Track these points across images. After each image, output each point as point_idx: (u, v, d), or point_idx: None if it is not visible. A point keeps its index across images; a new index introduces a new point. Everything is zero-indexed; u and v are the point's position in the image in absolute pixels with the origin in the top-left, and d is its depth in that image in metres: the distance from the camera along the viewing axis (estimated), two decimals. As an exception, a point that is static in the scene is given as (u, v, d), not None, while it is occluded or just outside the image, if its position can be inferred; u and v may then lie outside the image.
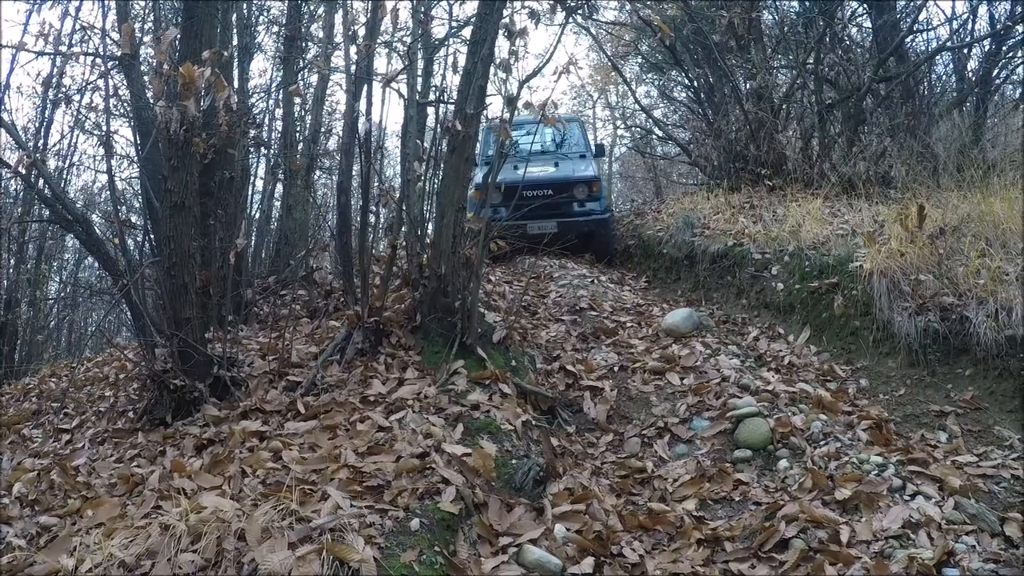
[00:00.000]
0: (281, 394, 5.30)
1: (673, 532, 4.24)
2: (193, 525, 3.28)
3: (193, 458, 4.50)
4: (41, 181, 6.24)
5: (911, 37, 11.40)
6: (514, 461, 4.50)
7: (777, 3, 13.11)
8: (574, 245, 10.48)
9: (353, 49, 6.24)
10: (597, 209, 10.92)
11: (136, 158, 9.81)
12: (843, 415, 5.28)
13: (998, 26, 10.64)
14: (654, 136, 20.25)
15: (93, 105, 9.46)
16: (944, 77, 11.93)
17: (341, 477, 3.92)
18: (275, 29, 12.55)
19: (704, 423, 5.40)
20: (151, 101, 6.98)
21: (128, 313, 8.66)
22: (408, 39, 8.05)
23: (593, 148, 12.50)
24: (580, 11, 8.75)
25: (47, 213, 7.18)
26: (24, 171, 6.46)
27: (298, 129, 11.55)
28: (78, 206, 8.13)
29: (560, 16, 6.38)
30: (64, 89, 10.19)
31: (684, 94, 16.10)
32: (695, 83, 13.58)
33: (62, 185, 11.58)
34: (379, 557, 3.27)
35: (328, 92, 12.78)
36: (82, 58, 9.71)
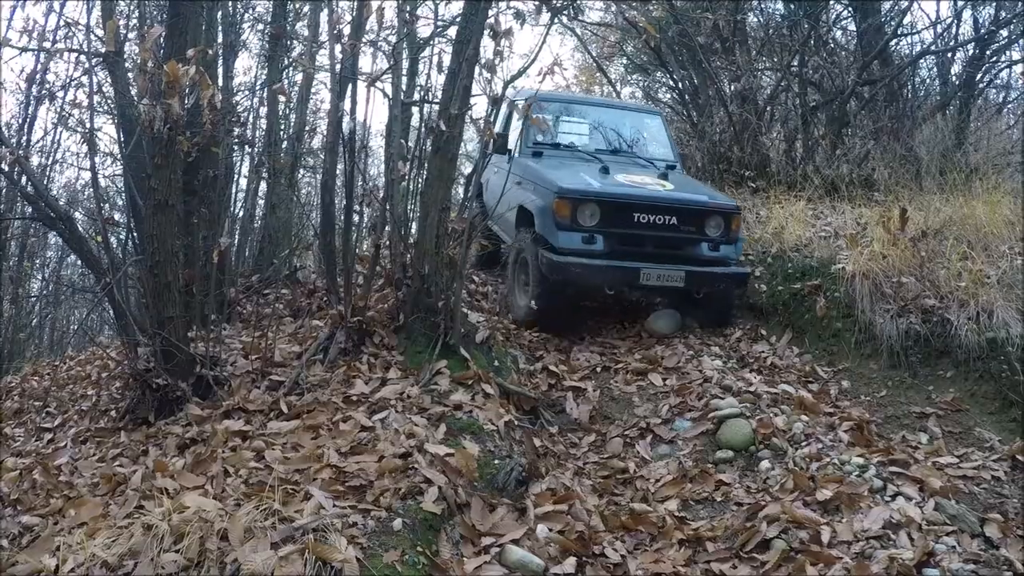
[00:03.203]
0: (264, 394, 5.28)
1: (655, 532, 4.26)
2: (176, 525, 3.27)
3: (176, 457, 4.49)
4: (24, 178, 6.21)
5: (895, 41, 11.47)
6: (497, 461, 4.50)
7: (762, 5, 13.15)
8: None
9: (338, 48, 6.24)
10: (733, 256, 7.23)
11: (120, 156, 9.77)
12: (825, 416, 5.30)
13: (982, 30, 10.70)
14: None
15: (77, 102, 9.38)
16: (928, 81, 12.00)
17: (324, 477, 3.92)
18: (260, 27, 12.50)
19: (686, 424, 5.42)
20: (135, 99, 6.96)
21: (111, 311, 8.63)
22: (393, 38, 8.02)
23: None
24: (565, 12, 8.77)
25: (30, 210, 7.15)
26: (7, 168, 6.42)
27: (282, 128, 11.52)
28: (61, 204, 8.10)
29: (545, 17, 6.37)
30: (48, 85, 10.12)
31: (669, 95, 16.09)
32: (679, 84, 13.59)
33: (45, 182, 11.52)
34: (362, 557, 3.27)
35: (313, 91, 12.75)
36: (66, 54, 9.64)
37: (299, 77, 12.08)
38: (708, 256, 7.05)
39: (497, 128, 7.72)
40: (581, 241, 6.65)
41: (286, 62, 11.69)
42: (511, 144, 7.95)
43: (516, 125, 8.23)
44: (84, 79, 9.47)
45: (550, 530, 4.06)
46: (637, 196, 6.84)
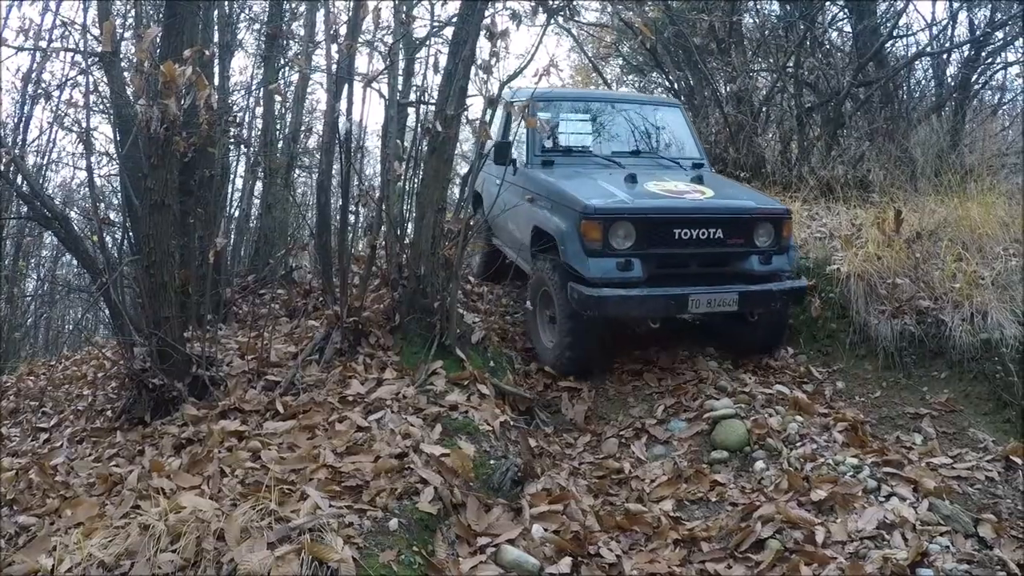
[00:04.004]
0: (260, 394, 5.28)
1: (650, 532, 4.27)
2: (172, 525, 3.28)
3: (172, 458, 4.49)
4: (20, 177, 6.21)
5: (891, 42, 11.48)
6: (492, 461, 4.51)
7: (758, 6, 13.16)
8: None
9: (334, 48, 6.24)
10: (787, 267, 6.31)
11: (115, 156, 9.75)
12: (819, 417, 5.32)
13: (977, 32, 10.72)
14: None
15: (73, 102, 9.37)
16: (923, 82, 12.01)
17: (320, 477, 3.93)
18: (256, 27, 12.49)
19: (681, 424, 5.44)
20: (131, 99, 6.96)
21: (106, 311, 8.63)
22: (389, 39, 8.01)
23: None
24: (562, 13, 8.77)
25: (25, 210, 7.14)
26: (2, 167, 6.41)
27: (278, 128, 11.51)
28: (56, 203, 8.09)
29: (542, 17, 6.32)
30: (44, 85, 10.10)
31: (664, 96, 16.13)
32: (675, 85, 13.59)
33: (41, 182, 11.51)
34: (358, 557, 3.28)
35: (308, 91, 12.74)
36: (62, 54, 9.63)
37: (295, 77, 12.08)
38: (760, 271, 6.15)
39: (493, 132, 7.27)
40: (616, 268, 5.78)
41: (282, 62, 11.68)
42: (514, 152, 7.06)
43: (520, 131, 7.23)
44: (80, 79, 9.47)
45: (545, 530, 4.07)
46: (677, 208, 6.02)
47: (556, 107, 7.89)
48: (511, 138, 7.29)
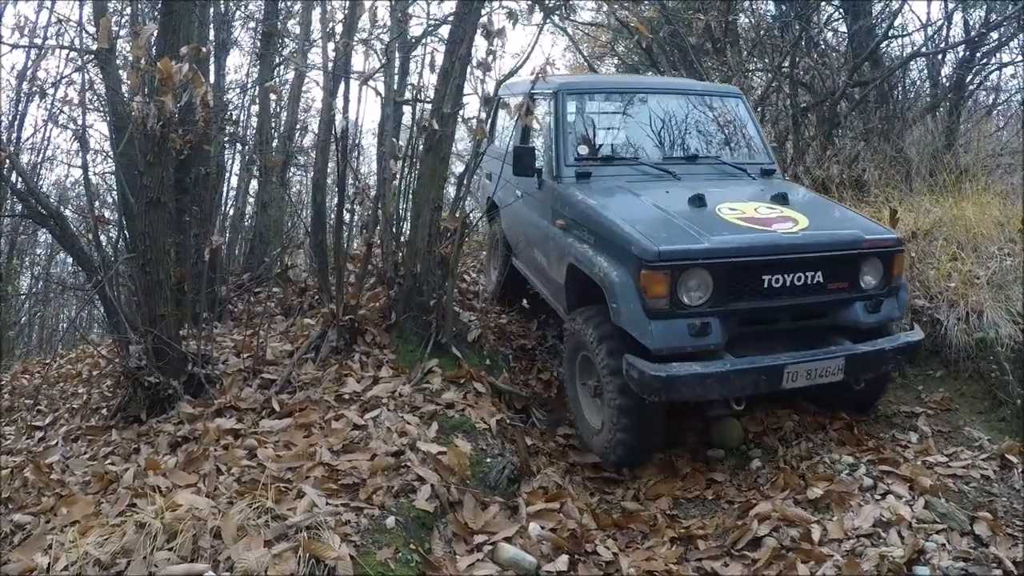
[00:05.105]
0: (256, 392, 5.28)
1: (647, 530, 4.28)
2: (168, 523, 3.27)
3: (168, 456, 4.49)
4: (15, 175, 6.20)
5: (886, 42, 11.49)
6: (489, 460, 4.52)
7: (754, 6, 13.17)
8: None
9: (331, 46, 6.24)
10: (897, 314, 5.09)
11: (111, 153, 9.74)
12: (815, 415, 5.32)
13: (972, 33, 10.74)
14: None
15: (68, 99, 9.36)
16: (918, 83, 12.02)
17: (316, 475, 3.93)
18: (252, 25, 12.48)
19: (678, 423, 5.42)
20: (127, 96, 6.95)
21: (101, 309, 8.62)
22: (386, 37, 8.01)
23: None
24: (558, 12, 8.76)
25: (20, 208, 7.13)
26: (-2, 165, 6.40)
27: (274, 126, 11.50)
28: (52, 201, 8.07)
29: (538, 16, 6.25)
30: (39, 83, 10.08)
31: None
32: (671, 85, 13.57)
33: (36, 180, 11.48)
34: (355, 555, 3.28)
35: (304, 89, 12.73)
36: (57, 51, 9.62)
37: (290, 75, 12.07)
38: (868, 323, 4.86)
39: (502, 134, 6.86)
40: (688, 333, 4.43)
41: (278, 60, 11.67)
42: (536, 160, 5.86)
43: (548, 131, 6.06)
44: (76, 76, 9.45)
45: (542, 528, 4.07)
46: (768, 247, 4.63)
47: (586, 101, 6.40)
48: (530, 140, 6.38)
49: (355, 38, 6.43)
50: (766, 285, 4.57)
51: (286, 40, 12.05)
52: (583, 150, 5.87)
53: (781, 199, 5.20)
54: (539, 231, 5.96)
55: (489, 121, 6.40)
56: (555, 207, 5.71)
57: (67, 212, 11.23)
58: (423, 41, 13.07)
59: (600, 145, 6.10)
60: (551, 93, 6.05)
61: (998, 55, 11.31)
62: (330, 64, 6.15)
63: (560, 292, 5.66)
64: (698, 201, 4.99)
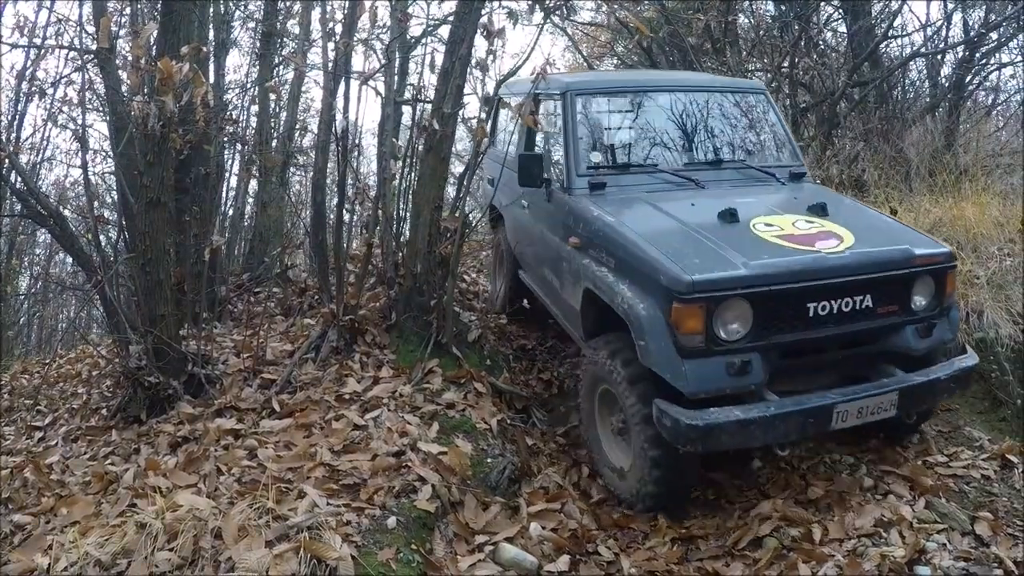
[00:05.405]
0: (256, 392, 5.28)
1: (648, 530, 4.27)
2: (169, 523, 3.27)
3: (168, 456, 4.49)
4: (14, 175, 6.19)
5: (886, 43, 11.49)
6: (489, 460, 4.52)
7: (753, 7, 13.17)
8: None
9: (330, 46, 6.23)
10: (950, 337, 4.58)
11: (111, 153, 9.74)
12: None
13: (971, 33, 10.74)
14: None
15: (67, 99, 9.36)
16: (918, 83, 12.02)
17: (317, 475, 3.93)
18: (251, 24, 12.48)
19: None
20: (127, 96, 6.94)
21: (101, 310, 8.61)
22: (386, 37, 8.00)
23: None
24: (558, 12, 8.75)
25: (20, 208, 7.12)
26: (-3, 165, 6.39)
27: (273, 126, 11.50)
28: (51, 201, 8.06)
29: (538, 16, 6.20)
30: (38, 82, 10.08)
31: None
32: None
33: (35, 180, 11.47)
34: (356, 555, 3.28)
35: (303, 89, 12.73)
36: (57, 51, 9.62)
37: (290, 75, 12.07)
38: (920, 349, 4.34)
39: (504, 136, 6.51)
40: (726, 372, 3.91)
41: (277, 60, 11.67)
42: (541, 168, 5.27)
43: (553, 134, 5.64)
44: (75, 76, 9.45)
45: (543, 528, 4.07)
46: (812, 271, 4.07)
47: (598, 101, 5.76)
48: (534, 145, 5.95)
49: (355, 38, 6.42)
50: (811, 314, 4.07)
51: (286, 40, 12.05)
52: (596, 157, 5.30)
53: (819, 210, 4.65)
54: (549, 248, 5.47)
55: (489, 123, 6.18)
56: (567, 222, 5.14)
57: (67, 212, 11.19)
58: (423, 41, 13.06)
59: (615, 150, 5.49)
60: (558, 94, 5.55)
61: (997, 55, 11.32)
62: (330, 64, 6.15)
63: (575, 317, 5.12)
64: (730, 216, 4.46)
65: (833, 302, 4.08)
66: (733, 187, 5.21)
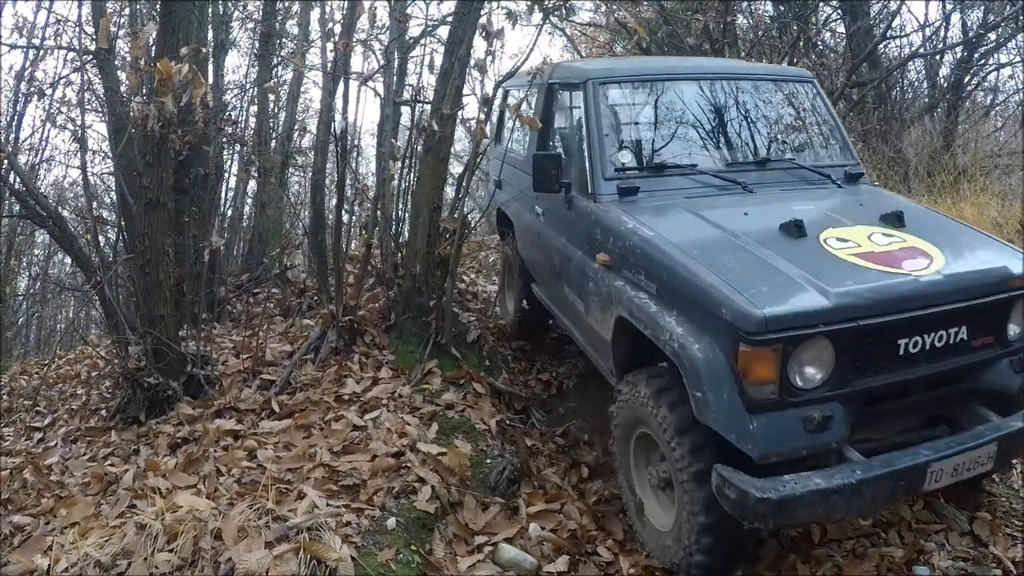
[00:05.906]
0: (255, 393, 5.28)
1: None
2: (169, 524, 3.27)
3: (167, 457, 4.48)
4: (13, 175, 6.18)
5: (884, 43, 11.51)
6: (488, 460, 4.51)
7: (752, 7, 13.18)
8: None
9: (329, 47, 6.23)
10: None
11: (110, 154, 9.75)
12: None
13: (970, 34, 10.76)
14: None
15: (66, 99, 9.37)
16: (916, 83, 12.05)
17: (316, 476, 3.93)
18: (250, 25, 12.48)
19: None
20: (126, 96, 6.95)
21: (99, 310, 8.61)
22: (385, 38, 7.99)
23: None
24: (557, 12, 8.75)
25: (18, 208, 7.12)
26: (-4, 166, 6.39)
27: (272, 126, 11.50)
28: (50, 202, 8.07)
29: (537, 17, 6.15)
30: (37, 83, 10.09)
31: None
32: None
33: (34, 180, 11.47)
34: (356, 556, 3.28)
35: (302, 89, 12.74)
36: (56, 52, 9.62)
37: (289, 75, 12.08)
38: (1015, 385, 3.62)
39: (510, 134, 6.33)
40: (803, 428, 3.15)
41: (276, 61, 11.67)
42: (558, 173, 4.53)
43: (569, 131, 5.03)
44: (74, 76, 9.45)
45: (542, 529, 4.06)
46: (906, 298, 3.30)
47: (625, 92, 4.88)
48: (551, 145, 5.36)
49: (354, 38, 6.42)
50: (901, 352, 3.31)
51: (285, 40, 12.05)
52: (625, 158, 4.54)
53: (896, 220, 3.86)
54: (570, 264, 4.73)
55: (492, 120, 6.02)
56: (593, 235, 4.35)
57: (65, 213, 11.21)
58: (422, 42, 13.05)
59: (646, 149, 4.75)
60: (579, 84, 4.79)
61: (996, 56, 11.36)
62: (329, 65, 6.15)
63: (604, 347, 4.32)
64: (796, 229, 3.68)
65: (926, 336, 3.34)
66: (784, 191, 4.46)
